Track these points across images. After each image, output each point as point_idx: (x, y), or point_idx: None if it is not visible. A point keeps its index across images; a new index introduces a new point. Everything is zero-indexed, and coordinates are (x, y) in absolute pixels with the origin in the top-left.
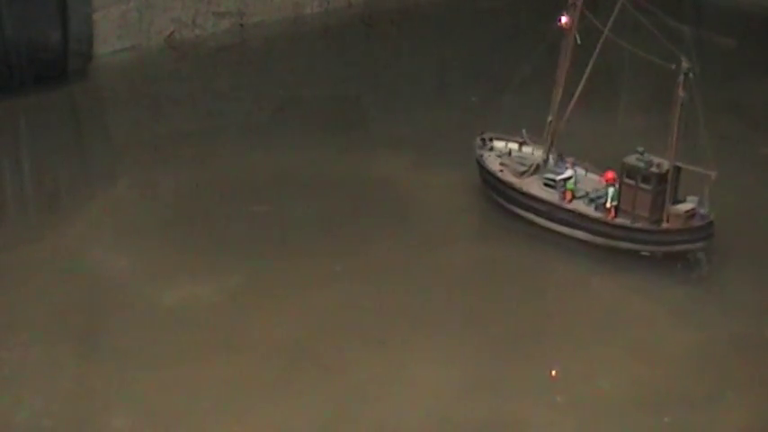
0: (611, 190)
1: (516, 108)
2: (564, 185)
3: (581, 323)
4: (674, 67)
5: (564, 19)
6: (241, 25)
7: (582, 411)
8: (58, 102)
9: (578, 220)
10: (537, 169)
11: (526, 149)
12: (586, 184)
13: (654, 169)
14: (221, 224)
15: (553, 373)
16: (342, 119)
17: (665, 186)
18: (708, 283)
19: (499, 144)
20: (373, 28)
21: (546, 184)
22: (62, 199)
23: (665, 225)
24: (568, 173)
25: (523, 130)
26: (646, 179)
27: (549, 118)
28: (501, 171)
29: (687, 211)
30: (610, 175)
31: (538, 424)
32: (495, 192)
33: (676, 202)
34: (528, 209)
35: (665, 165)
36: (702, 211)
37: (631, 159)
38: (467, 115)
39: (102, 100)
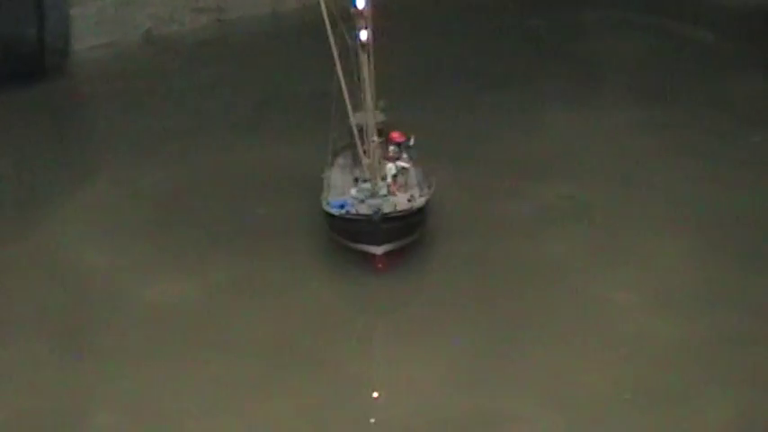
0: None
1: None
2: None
3: (563, 318)
4: None
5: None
6: (219, 21)
7: (563, 408)
8: (35, 99)
9: None
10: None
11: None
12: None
13: None
14: (204, 221)
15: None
16: (323, 114)
17: None
18: (685, 277)
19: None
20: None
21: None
22: (41, 197)
23: None
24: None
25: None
26: None
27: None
28: None
29: None
30: (395, 134)
31: (521, 420)
32: None
33: None
34: None
35: None
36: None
37: None
38: (443, 108)
39: (79, 97)
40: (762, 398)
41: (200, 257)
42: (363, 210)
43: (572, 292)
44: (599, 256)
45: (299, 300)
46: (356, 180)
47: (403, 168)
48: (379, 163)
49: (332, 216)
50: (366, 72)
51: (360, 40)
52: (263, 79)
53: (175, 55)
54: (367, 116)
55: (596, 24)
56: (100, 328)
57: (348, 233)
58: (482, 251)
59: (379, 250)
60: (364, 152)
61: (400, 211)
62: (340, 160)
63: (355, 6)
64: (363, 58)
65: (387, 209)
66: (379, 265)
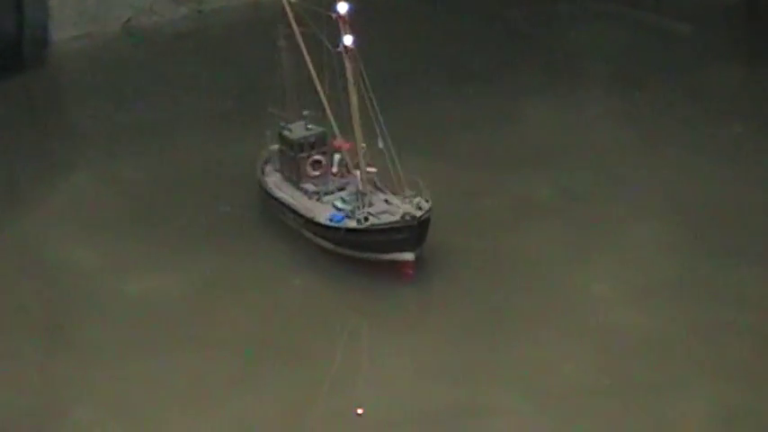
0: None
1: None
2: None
3: (541, 310)
4: None
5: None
6: (199, 12)
7: (544, 398)
8: (14, 90)
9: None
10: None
11: None
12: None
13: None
14: (184, 215)
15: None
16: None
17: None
18: (662, 268)
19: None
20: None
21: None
22: (20, 191)
23: None
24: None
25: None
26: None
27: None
28: None
29: None
30: (338, 141)
31: (500, 411)
32: None
33: None
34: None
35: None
36: None
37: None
38: (418, 101)
39: (59, 88)
40: (736, 386)
41: (180, 252)
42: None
43: (551, 284)
44: (577, 248)
45: (280, 295)
46: (317, 193)
47: (342, 159)
48: (349, 172)
49: (346, 230)
50: (350, 82)
51: (343, 45)
52: (243, 71)
53: (155, 46)
54: (354, 128)
55: (574, 16)
56: (80, 323)
57: (375, 244)
58: (460, 245)
59: (411, 256)
60: (313, 165)
61: (426, 216)
62: (269, 168)
63: (336, 12)
64: (347, 65)
65: (416, 214)
66: (410, 272)
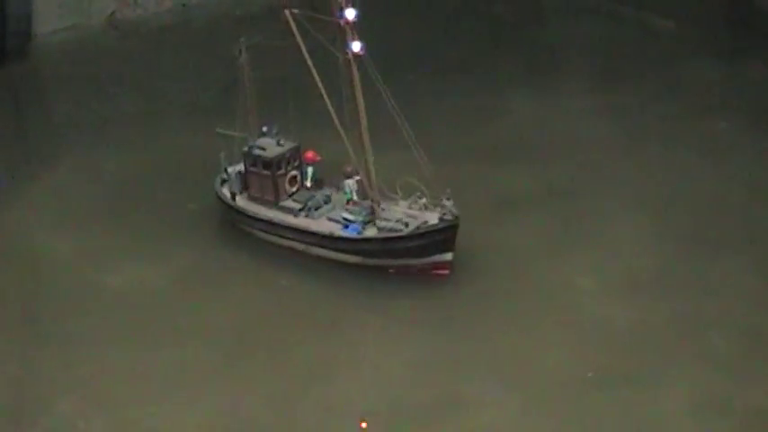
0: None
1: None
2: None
3: (526, 303)
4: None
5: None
6: (184, 5)
7: (527, 390)
8: None
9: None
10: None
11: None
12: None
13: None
14: (165, 208)
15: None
16: (286, 99)
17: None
18: (644, 261)
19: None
20: (317, 9)
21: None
22: (2, 182)
23: None
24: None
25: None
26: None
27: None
28: None
29: None
30: (309, 154)
31: (484, 403)
32: None
33: None
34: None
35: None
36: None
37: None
38: (402, 93)
39: (42, 80)
40: (717, 377)
41: (162, 244)
42: (371, 230)
43: (534, 278)
44: (560, 241)
45: (263, 287)
46: (303, 209)
47: (315, 172)
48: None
49: (384, 240)
50: (357, 89)
51: (351, 52)
52: (226, 65)
53: (139, 39)
54: (363, 136)
55: (558, 11)
56: (60, 315)
57: (416, 249)
58: None
59: (450, 256)
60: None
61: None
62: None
63: (343, 17)
64: (354, 72)
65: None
66: (447, 271)
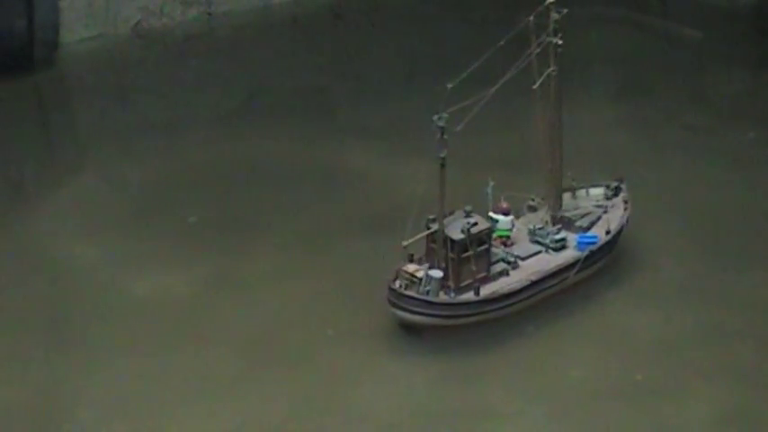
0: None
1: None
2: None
3: (547, 313)
4: None
5: None
6: (209, 14)
7: (551, 400)
8: (24, 91)
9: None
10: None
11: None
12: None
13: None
14: (190, 215)
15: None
16: (311, 109)
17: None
18: (670, 273)
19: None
20: (342, 18)
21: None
22: (29, 190)
23: None
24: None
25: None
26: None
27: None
28: None
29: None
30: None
31: (508, 413)
32: None
33: None
34: None
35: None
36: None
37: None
38: (437, 105)
39: (68, 89)
40: (742, 390)
41: (186, 252)
42: (599, 229)
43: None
44: None
45: (286, 295)
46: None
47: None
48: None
49: (617, 234)
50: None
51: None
52: (252, 73)
53: (164, 48)
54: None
55: (583, 21)
56: (85, 321)
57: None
58: None
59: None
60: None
61: None
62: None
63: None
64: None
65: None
66: None
